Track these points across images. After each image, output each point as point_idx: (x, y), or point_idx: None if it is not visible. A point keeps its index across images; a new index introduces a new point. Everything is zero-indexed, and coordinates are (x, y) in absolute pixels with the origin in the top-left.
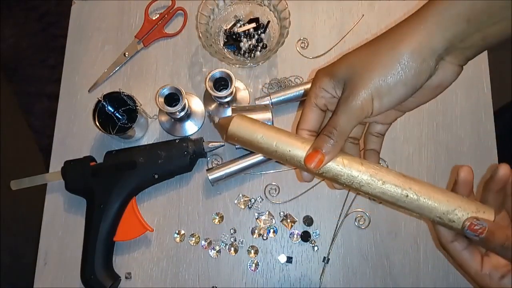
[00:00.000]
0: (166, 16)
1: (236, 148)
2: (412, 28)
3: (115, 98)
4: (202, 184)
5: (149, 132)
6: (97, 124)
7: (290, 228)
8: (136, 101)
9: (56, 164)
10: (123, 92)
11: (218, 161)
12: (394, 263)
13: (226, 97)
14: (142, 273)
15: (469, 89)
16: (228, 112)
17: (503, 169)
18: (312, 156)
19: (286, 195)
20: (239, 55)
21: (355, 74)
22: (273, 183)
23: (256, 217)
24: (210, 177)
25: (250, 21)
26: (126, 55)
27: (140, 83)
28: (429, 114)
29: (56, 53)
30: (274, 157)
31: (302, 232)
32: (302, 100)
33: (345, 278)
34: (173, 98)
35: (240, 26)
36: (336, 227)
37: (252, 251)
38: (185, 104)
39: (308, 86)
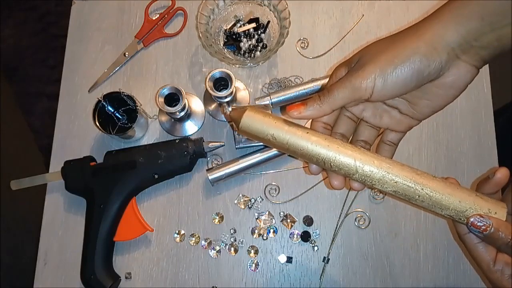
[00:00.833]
0: (166, 16)
1: (236, 148)
2: (428, 23)
3: (115, 98)
4: (202, 184)
5: (149, 132)
6: (97, 124)
7: (290, 228)
8: (136, 101)
9: (56, 164)
10: (123, 92)
11: (218, 161)
12: (394, 263)
13: (226, 97)
14: (142, 273)
15: (469, 89)
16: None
17: (501, 172)
18: (294, 107)
19: (286, 195)
20: (239, 55)
21: (368, 54)
22: (273, 183)
23: (256, 217)
24: (210, 177)
25: (250, 21)
26: (126, 55)
27: (140, 83)
28: None
29: (56, 53)
30: (286, 152)
31: (302, 232)
32: (302, 100)
33: (345, 278)
34: (173, 98)
35: (240, 26)
36: (336, 227)
37: (252, 251)
38: (185, 104)
39: (308, 86)
